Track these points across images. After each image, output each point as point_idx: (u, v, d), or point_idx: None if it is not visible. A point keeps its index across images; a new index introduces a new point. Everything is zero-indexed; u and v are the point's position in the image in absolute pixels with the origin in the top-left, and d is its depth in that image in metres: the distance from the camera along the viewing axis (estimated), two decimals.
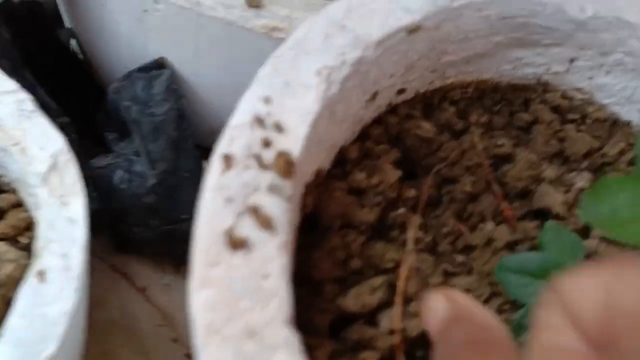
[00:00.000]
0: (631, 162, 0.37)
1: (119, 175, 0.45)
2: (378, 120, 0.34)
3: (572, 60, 0.37)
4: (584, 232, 0.34)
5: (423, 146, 0.34)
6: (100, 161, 0.46)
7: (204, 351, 0.21)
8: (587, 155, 0.36)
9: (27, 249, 0.32)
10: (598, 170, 0.36)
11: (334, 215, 0.30)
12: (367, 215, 0.30)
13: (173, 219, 0.45)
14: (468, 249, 0.32)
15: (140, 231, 0.47)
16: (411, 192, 0.33)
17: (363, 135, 0.33)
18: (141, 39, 0.41)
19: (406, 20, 0.30)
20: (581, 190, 0.35)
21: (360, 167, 0.32)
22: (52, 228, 0.30)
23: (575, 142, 0.36)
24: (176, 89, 0.42)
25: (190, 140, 0.44)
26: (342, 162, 0.32)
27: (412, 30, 0.30)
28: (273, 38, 0.37)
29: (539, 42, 0.35)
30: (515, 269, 0.29)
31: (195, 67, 0.41)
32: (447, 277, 0.31)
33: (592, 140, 0.36)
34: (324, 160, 0.29)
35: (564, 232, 0.31)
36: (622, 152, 0.37)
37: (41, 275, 0.28)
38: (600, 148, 0.37)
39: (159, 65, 0.42)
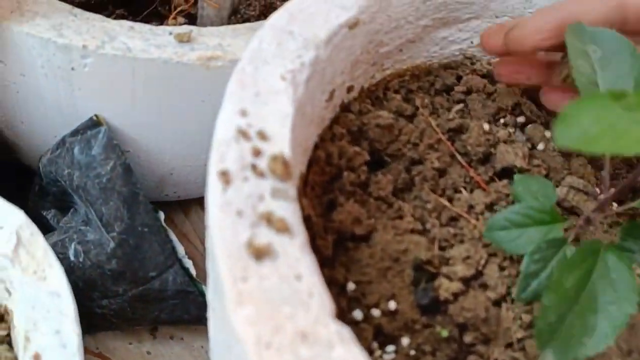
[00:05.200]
0: None
1: (73, 249, 0.41)
2: (336, 120, 0.35)
3: None
4: (546, 177, 0.36)
5: (385, 134, 0.35)
6: (48, 241, 0.42)
7: None
8: (516, 106, 0.39)
9: (5, 342, 0.29)
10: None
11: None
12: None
13: (142, 280, 0.43)
14: (454, 220, 0.34)
15: (108, 303, 0.43)
16: (386, 178, 0.33)
17: (332, 137, 0.33)
18: (69, 99, 0.39)
19: (345, 16, 0.31)
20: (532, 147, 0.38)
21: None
22: (35, 307, 0.27)
23: (504, 97, 0.39)
24: (117, 144, 0.40)
25: (141, 194, 0.42)
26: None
27: (352, 25, 0.32)
28: (211, 68, 0.36)
29: (459, 18, 0.38)
30: (501, 227, 0.30)
31: (132, 116, 0.40)
32: (444, 251, 0.32)
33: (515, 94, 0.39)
34: (302, 163, 0.29)
35: (533, 179, 0.33)
36: None
37: (37, 359, 0.26)
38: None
39: (95, 124, 0.40)
